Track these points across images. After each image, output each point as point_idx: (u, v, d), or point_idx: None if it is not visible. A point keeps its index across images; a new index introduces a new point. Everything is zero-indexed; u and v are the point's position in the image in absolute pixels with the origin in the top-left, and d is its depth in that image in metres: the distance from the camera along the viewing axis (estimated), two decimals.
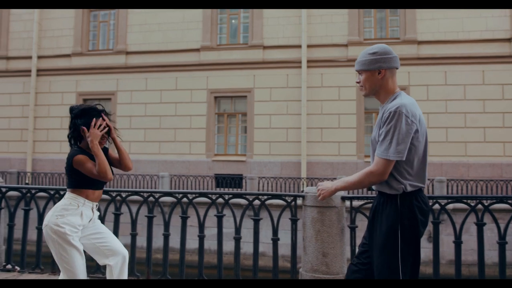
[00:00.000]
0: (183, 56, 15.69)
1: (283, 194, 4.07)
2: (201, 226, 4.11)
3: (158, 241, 4.85)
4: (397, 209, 2.16)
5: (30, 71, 16.47)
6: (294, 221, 3.97)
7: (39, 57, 16.56)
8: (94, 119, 2.74)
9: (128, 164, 2.95)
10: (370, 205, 2.53)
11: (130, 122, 15.86)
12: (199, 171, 15.05)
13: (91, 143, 2.68)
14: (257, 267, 4.02)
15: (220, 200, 4.15)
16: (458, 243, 3.60)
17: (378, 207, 2.27)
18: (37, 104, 16.50)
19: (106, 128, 2.79)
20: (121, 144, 2.92)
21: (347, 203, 3.87)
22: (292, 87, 14.84)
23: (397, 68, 2.30)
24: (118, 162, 2.94)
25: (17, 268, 4.51)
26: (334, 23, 14.80)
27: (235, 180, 14.49)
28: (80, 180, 2.74)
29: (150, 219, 4.22)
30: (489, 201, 3.55)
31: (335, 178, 13.48)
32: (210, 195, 4.14)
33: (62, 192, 4.19)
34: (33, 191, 4.51)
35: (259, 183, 13.88)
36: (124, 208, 4.27)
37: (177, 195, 4.16)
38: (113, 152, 3.00)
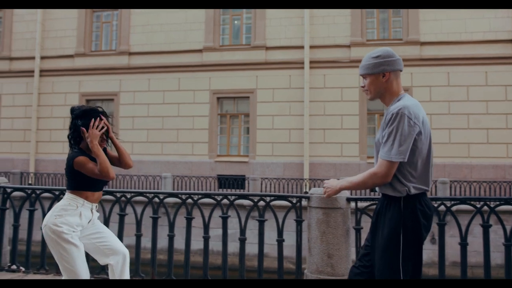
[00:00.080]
0: (185, 57, 15.71)
1: (288, 195, 4.07)
2: (206, 227, 4.11)
3: (161, 242, 4.85)
4: (400, 211, 2.15)
5: (33, 71, 16.52)
6: (299, 222, 3.97)
7: (42, 58, 16.61)
8: (93, 119, 2.76)
9: (128, 162, 2.96)
10: (375, 206, 2.53)
11: (133, 123, 15.88)
12: (202, 172, 15.06)
13: (90, 143, 2.70)
14: (262, 268, 4.02)
15: (224, 201, 4.15)
16: (464, 244, 3.60)
17: (381, 210, 2.27)
18: (40, 104, 16.53)
19: (105, 128, 2.80)
20: (119, 143, 2.94)
21: (353, 204, 3.87)
22: (294, 88, 14.84)
23: (401, 71, 2.31)
24: (118, 161, 2.96)
25: (22, 268, 4.52)
26: (337, 24, 14.80)
27: (238, 181, 14.49)
28: (80, 181, 2.76)
29: (155, 220, 4.22)
30: (494, 203, 3.54)
31: (338, 178, 13.45)
32: (215, 196, 4.14)
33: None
34: (38, 192, 4.52)
35: (261, 184, 13.87)
36: (128, 209, 4.28)
37: (182, 196, 4.16)
38: (112, 152, 3.01)
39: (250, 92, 15.24)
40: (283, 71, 14.99)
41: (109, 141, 2.94)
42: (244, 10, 15.70)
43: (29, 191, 4.54)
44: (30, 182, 15.27)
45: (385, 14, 15.02)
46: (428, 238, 10.28)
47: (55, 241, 2.64)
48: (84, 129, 2.74)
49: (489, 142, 13.60)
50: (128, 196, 4.29)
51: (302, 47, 14.73)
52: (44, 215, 4.34)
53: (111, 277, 2.84)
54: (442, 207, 3.70)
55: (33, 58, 16.57)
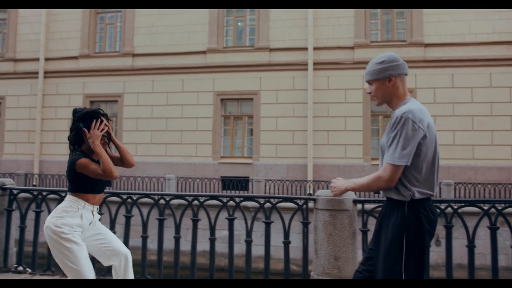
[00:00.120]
0: (189, 59, 15.73)
1: (295, 197, 4.07)
2: (212, 229, 4.11)
3: (165, 243, 4.85)
4: (404, 216, 2.14)
5: (37, 73, 16.58)
6: (305, 224, 3.96)
7: (47, 59, 16.66)
8: (94, 120, 2.79)
9: (130, 160, 2.98)
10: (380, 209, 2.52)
11: (137, 124, 15.91)
12: (206, 173, 15.07)
13: (92, 144, 2.73)
14: (269, 270, 4.01)
15: (229, 203, 4.15)
16: (471, 247, 3.59)
17: (385, 214, 2.26)
18: (44, 106, 16.58)
19: (106, 128, 2.84)
20: (119, 142, 2.98)
21: (359, 206, 3.86)
22: (298, 89, 14.84)
23: (406, 74, 2.31)
24: (120, 161, 2.98)
25: (29, 270, 4.53)
26: (341, 25, 14.80)
27: (242, 183, 14.49)
28: (81, 184, 2.78)
29: (161, 222, 4.22)
30: (502, 205, 3.54)
31: None
32: (221, 198, 4.14)
33: None
34: (44, 193, 4.53)
35: (265, 185, 13.86)
36: (133, 211, 4.28)
37: (188, 197, 4.17)
38: (113, 153, 3.04)
39: (254, 93, 15.25)
40: (286, 72, 14.99)
41: (110, 142, 2.97)
42: (248, 11, 15.72)
43: (35, 193, 4.55)
44: (34, 183, 15.30)
45: (388, 16, 15.01)
46: (432, 239, 10.22)
47: (57, 241, 2.66)
48: (85, 129, 2.77)
49: (493, 144, 13.56)
50: (134, 197, 4.30)
51: (305, 49, 14.73)
52: None
53: (114, 277, 2.86)
54: (447, 209, 3.69)
55: (37, 59, 16.63)
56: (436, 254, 10.54)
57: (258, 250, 6.73)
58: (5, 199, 4.63)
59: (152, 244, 7.15)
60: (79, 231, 2.74)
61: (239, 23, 15.98)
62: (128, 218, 4.29)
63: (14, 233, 4.75)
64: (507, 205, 3.55)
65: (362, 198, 3.91)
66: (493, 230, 3.56)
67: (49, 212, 4.41)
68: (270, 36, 15.23)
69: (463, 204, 3.72)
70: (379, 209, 3.37)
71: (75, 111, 2.87)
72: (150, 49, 16.05)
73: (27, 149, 16.53)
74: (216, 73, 15.50)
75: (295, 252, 8.42)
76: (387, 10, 14.85)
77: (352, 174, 13.79)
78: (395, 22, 14.94)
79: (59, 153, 15.97)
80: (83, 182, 2.77)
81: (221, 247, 9.45)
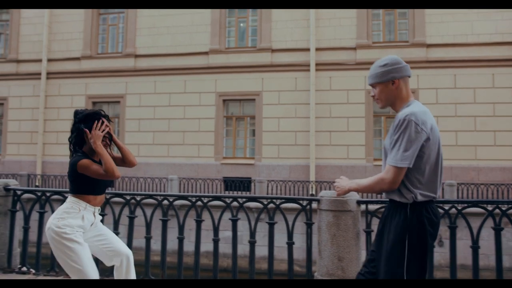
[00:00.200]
0: (191, 59, 15.75)
1: (299, 197, 4.07)
2: (216, 230, 4.12)
3: (168, 244, 4.85)
4: (406, 218, 2.14)
5: (40, 74, 16.62)
6: (309, 225, 3.96)
7: (49, 60, 16.70)
8: (96, 121, 2.82)
9: (132, 160, 3.01)
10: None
11: (139, 125, 15.93)
12: (208, 174, 15.07)
13: (94, 144, 2.75)
14: (272, 270, 4.01)
15: (233, 203, 4.15)
16: (475, 248, 3.58)
17: (388, 215, 2.26)
18: (47, 107, 16.62)
19: (107, 129, 2.86)
20: (120, 142, 3.01)
21: (363, 206, 3.86)
22: (300, 90, 14.84)
23: (409, 76, 2.32)
24: (121, 161, 3.01)
25: (32, 270, 4.54)
26: (343, 26, 14.80)
27: (244, 183, 14.49)
28: (83, 185, 2.80)
29: (164, 222, 4.23)
30: (507, 206, 3.53)
31: None
32: (224, 199, 4.14)
33: None
34: (48, 194, 4.54)
35: (267, 186, 13.86)
36: (137, 211, 4.29)
37: (191, 198, 4.17)
38: (114, 153, 3.06)
39: (256, 94, 15.25)
40: (289, 73, 15.00)
41: (112, 143, 3.00)
42: (250, 12, 15.74)
43: (39, 193, 4.56)
44: (37, 184, 15.33)
45: (391, 16, 15.00)
46: (435, 241, 10.21)
47: (59, 242, 2.68)
48: (87, 130, 2.79)
49: (496, 145, 13.53)
50: (138, 198, 4.30)
51: (308, 50, 14.73)
52: None
53: (116, 277, 2.87)
54: (451, 210, 3.68)
55: (40, 60, 16.67)
56: (439, 254, 10.52)
57: (259, 250, 6.73)
58: (9, 200, 4.65)
59: (155, 245, 7.16)
60: (80, 232, 2.76)
61: (241, 24, 15.99)
62: (131, 219, 4.29)
63: (18, 234, 4.77)
64: (511, 206, 3.54)
65: (365, 199, 3.91)
66: (498, 230, 3.55)
67: (53, 212, 4.43)
68: (272, 37, 15.24)
69: (467, 205, 3.71)
70: (383, 209, 3.38)
71: (76, 113, 2.90)
72: (152, 50, 16.07)
73: (30, 150, 16.56)
74: (218, 74, 15.51)
75: (298, 252, 8.42)
76: (389, 11, 14.84)
77: (355, 175, 13.77)
78: (397, 23, 14.93)
79: (62, 154, 15.99)
80: (84, 183, 2.79)
81: (223, 247, 9.45)
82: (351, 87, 14.51)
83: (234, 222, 4.08)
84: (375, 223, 3.80)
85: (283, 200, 4.15)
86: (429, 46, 14.16)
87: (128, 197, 4.32)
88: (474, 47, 13.88)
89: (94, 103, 16.35)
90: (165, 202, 4.25)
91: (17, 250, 4.73)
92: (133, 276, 2.91)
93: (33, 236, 4.62)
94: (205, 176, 14.99)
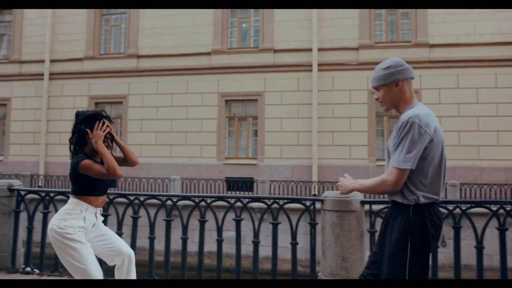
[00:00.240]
0: (194, 60, 15.76)
1: (302, 198, 4.07)
2: (220, 230, 4.12)
3: (172, 244, 4.86)
4: (409, 220, 2.14)
5: (42, 74, 16.65)
6: (313, 226, 3.96)
7: (52, 61, 16.73)
8: (97, 122, 2.85)
9: (133, 159, 3.04)
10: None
11: (141, 126, 15.95)
12: (210, 174, 15.08)
13: (95, 144, 2.78)
14: (276, 270, 4.01)
15: (236, 204, 4.15)
16: (479, 248, 3.57)
17: (390, 217, 2.26)
18: (49, 107, 16.65)
19: (108, 129, 2.88)
20: (122, 142, 3.04)
21: (367, 207, 3.86)
22: (303, 90, 14.83)
23: (412, 78, 2.32)
24: (124, 160, 3.04)
25: (36, 271, 4.55)
26: (345, 26, 14.79)
27: (246, 184, 14.49)
28: (84, 187, 2.82)
29: (168, 223, 4.23)
30: (510, 206, 3.52)
31: None
32: (228, 199, 4.15)
33: None
34: (51, 194, 4.55)
35: (270, 186, 13.86)
36: (140, 212, 4.30)
37: (195, 199, 4.17)
38: (116, 154, 3.08)
39: (258, 94, 15.25)
40: (291, 73, 15.00)
41: (113, 144, 3.03)
42: (252, 13, 15.75)
43: (43, 194, 4.57)
44: (40, 184, 15.36)
45: (393, 16, 14.98)
46: (438, 243, 10.18)
47: (62, 242, 2.70)
48: (88, 130, 2.82)
49: (499, 145, 13.50)
50: (142, 199, 4.31)
51: (310, 50, 14.73)
52: None
53: (117, 277, 2.88)
54: (455, 210, 3.68)
55: (42, 61, 16.71)
56: (442, 255, 10.50)
57: (264, 250, 6.73)
58: (13, 200, 4.66)
59: (158, 245, 7.16)
60: (82, 232, 2.78)
61: (244, 24, 16.00)
62: (135, 219, 4.30)
63: (22, 234, 4.77)
64: None
65: (369, 199, 3.90)
66: (502, 231, 3.55)
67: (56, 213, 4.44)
68: (275, 37, 15.24)
69: (471, 205, 3.70)
70: (387, 210, 3.38)
71: (77, 114, 2.93)
72: (155, 50, 16.09)
73: (33, 151, 16.60)
74: (221, 74, 15.52)
75: (301, 253, 8.41)
76: (392, 11, 14.83)
77: (357, 175, 13.75)
78: (400, 23, 14.91)
79: (64, 154, 16.00)
80: (86, 184, 2.81)
81: (224, 247, 9.45)
82: (353, 87, 14.50)
83: (238, 222, 4.08)
84: (379, 223, 3.79)
85: (287, 201, 4.15)
86: (432, 46, 14.14)
87: (131, 198, 4.33)
88: (477, 47, 13.86)
89: (96, 104, 16.38)
90: (169, 202, 4.25)
91: (21, 250, 4.74)
92: (133, 276, 2.92)
93: (37, 236, 4.62)
94: (208, 176, 15.00)
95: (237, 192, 14.25)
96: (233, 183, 14.57)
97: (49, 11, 16.59)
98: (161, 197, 4.27)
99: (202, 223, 4.16)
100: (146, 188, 14.73)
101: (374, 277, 2.30)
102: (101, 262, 3.06)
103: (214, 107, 15.49)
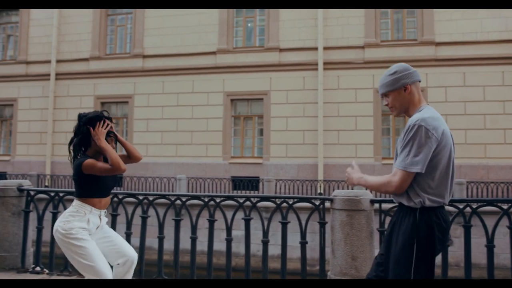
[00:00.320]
0: (199, 59, 15.78)
1: (312, 197, 4.06)
2: (229, 229, 4.12)
3: (181, 244, 4.87)
4: (415, 223, 2.13)
5: (49, 75, 16.73)
6: (322, 225, 3.95)
7: (58, 61, 16.80)
8: (98, 122, 2.89)
9: (136, 155, 3.07)
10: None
11: (147, 125, 15.99)
12: (216, 174, 15.10)
13: (98, 141, 2.83)
14: (285, 269, 4.01)
15: (246, 203, 4.15)
16: (490, 247, 3.56)
17: (397, 219, 2.25)
18: (56, 107, 16.73)
19: (109, 126, 2.92)
20: (124, 140, 3.08)
21: (376, 205, 3.85)
22: (308, 89, 14.82)
23: (419, 81, 2.33)
24: (127, 157, 3.06)
25: (46, 270, 4.57)
26: (351, 25, 14.75)
27: (252, 183, 14.50)
28: (87, 189, 2.84)
29: (177, 222, 4.24)
30: None
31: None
32: (237, 199, 4.15)
33: None
34: (61, 194, 4.57)
35: (276, 185, 13.86)
36: (149, 211, 4.31)
37: (204, 198, 4.18)
38: (119, 152, 3.09)
39: (264, 93, 15.25)
40: (296, 72, 14.98)
41: (117, 143, 3.07)
42: (258, 12, 15.74)
43: (52, 194, 4.59)
44: (46, 184, 15.44)
45: (399, 15, 14.93)
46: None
47: (68, 242, 2.73)
48: (91, 128, 2.87)
49: (506, 143, 13.43)
50: (151, 198, 4.32)
51: (315, 49, 14.70)
52: None
53: (115, 274, 2.90)
54: (465, 209, 3.66)
55: (49, 61, 16.78)
56: (449, 254, 10.47)
57: (272, 249, 6.73)
58: (22, 200, 4.68)
59: (166, 245, 7.19)
60: (86, 232, 2.80)
61: (249, 24, 16.00)
62: (144, 219, 4.31)
63: (32, 234, 4.80)
64: None
65: (379, 198, 3.90)
66: None
67: None
68: (280, 36, 15.22)
69: (481, 204, 3.68)
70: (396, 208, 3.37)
71: (80, 116, 2.98)
72: (160, 50, 16.12)
73: (39, 150, 16.68)
74: (226, 74, 15.53)
75: (309, 252, 8.40)
76: (397, 9, 14.77)
77: (363, 174, 13.70)
78: (406, 21, 14.86)
79: None
80: (89, 186, 2.83)
81: (233, 246, 9.47)
82: (359, 86, 14.47)
83: (247, 221, 4.09)
84: (389, 222, 3.80)
85: (296, 200, 4.15)
86: (438, 44, 14.08)
87: (141, 197, 4.34)
88: (483, 45, 13.79)
89: (102, 104, 16.45)
90: (177, 202, 4.26)
91: (30, 250, 4.76)
92: (129, 278, 2.95)
93: (46, 236, 4.64)
94: (213, 175, 15.01)
95: (243, 191, 14.26)
96: (239, 182, 14.58)
97: (55, 12, 16.67)
98: (170, 197, 4.28)
99: (212, 222, 4.17)
100: (152, 187, 14.76)
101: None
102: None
103: (220, 106, 15.50)
